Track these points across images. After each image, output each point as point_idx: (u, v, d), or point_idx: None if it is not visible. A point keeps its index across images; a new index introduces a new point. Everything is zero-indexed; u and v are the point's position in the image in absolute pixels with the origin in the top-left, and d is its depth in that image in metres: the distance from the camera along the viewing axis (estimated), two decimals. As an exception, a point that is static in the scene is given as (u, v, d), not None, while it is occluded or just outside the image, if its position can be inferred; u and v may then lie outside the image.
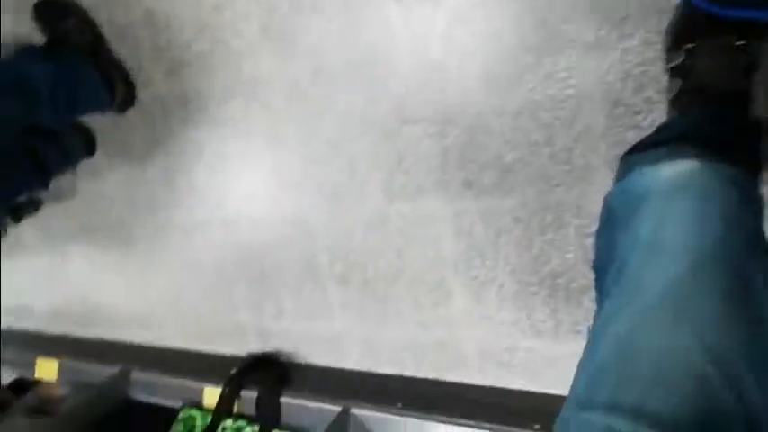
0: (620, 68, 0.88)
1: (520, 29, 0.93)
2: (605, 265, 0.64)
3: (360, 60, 1.09)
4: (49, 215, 1.82)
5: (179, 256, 1.60)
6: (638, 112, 0.89)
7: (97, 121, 1.53)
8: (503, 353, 1.22)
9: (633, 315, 0.53)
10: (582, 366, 0.56)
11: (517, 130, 0.99)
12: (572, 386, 0.56)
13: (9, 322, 2.29)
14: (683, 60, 0.78)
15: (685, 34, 0.79)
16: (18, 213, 1.74)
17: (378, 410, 1.29)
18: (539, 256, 1.08)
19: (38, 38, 1.35)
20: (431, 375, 1.34)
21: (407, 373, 1.38)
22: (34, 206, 1.76)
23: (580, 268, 1.06)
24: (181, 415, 1.57)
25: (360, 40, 1.08)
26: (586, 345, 0.58)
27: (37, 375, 1.97)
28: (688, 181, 0.60)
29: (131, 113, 1.44)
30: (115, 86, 1.38)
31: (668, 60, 0.82)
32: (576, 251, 1.04)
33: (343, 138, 1.18)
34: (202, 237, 1.52)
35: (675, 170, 0.62)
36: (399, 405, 1.27)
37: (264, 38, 1.17)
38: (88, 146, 1.55)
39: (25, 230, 1.91)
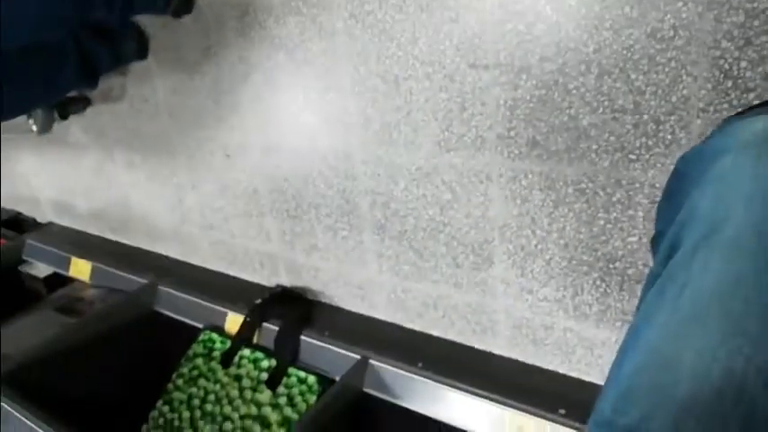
0: (741, 34, 0.74)
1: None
2: (660, 241, 0.52)
3: (435, -10, 0.98)
4: (97, 114, 1.79)
5: (217, 175, 1.55)
6: (750, 89, 0.76)
7: (151, 25, 1.46)
8: (539, 329, 1.14)
9: (675, 318, 0.42)
10: (613, 372, 0.46)
11: (601, 92, 0.87)
12: (600, 395, 0.46)
13: (50, 216, 2.33)
14: None
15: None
16: (66, 109, 1.71)
17: (397, 366, 1.24)
18: (599, 234, 0.98)
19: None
20: (458, 339, 1.28)
21: (434, 332, 1.32)
22: (82, 104, 1.74)
23: (642, 255, 0.95)
24: (201, 336, 1.56)
25: (438, -34, 0.96)
26: (624, 340, 0.48)
27: (70, 273, 1.99)
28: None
29: (187, 19, 1.36)
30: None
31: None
32: (642, 236, 0.94)
33: (403, 75, 1.07)
34: (242, 160, 1.46)
35: (763, 125, 0.46)
36: (420, 365, 1.21)
37: (334, -48, 1.06)
38: (140, 49, 1.49)
39: (73, 127, 1.89)
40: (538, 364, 1.18)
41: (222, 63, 1.36)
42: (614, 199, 0.93)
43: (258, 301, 1.50)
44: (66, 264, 2.01)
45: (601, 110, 0.88)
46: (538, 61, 0.91)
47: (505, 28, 0.92)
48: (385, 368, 1.26)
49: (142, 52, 1.50)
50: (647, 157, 0.87)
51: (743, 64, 0.75)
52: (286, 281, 1.57)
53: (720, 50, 0.76)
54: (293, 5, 1.16)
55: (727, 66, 0.76)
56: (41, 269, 2.15)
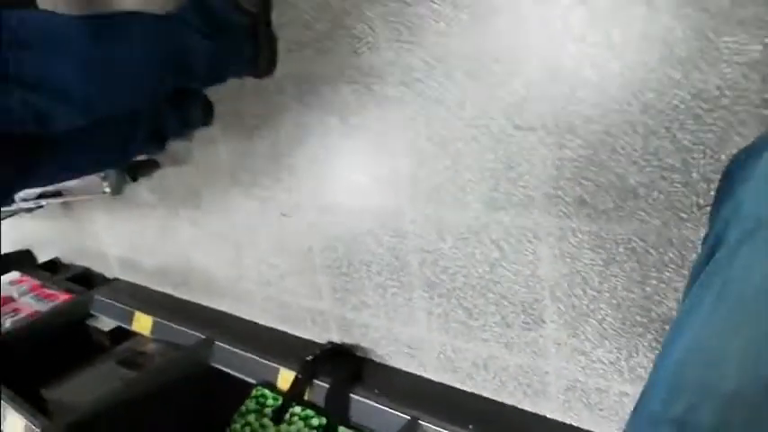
0: (787, 93, 0.75)
1: (669, 37, 0.81)
2: (706, 239, 0.52)
3: (483, 55, 1.01)
4: (164, 177, 1.90)
5: (273, 234, 1.61)
6: (801, 147, 0.75)
7: (215, 92, 1.56)
8: (592, 393, 1.11)
9: (720, 312, 0.43)
10: (657, 367, 0.46)
11: (648, 151, 0.88)
12: (644, 390, 0.46)
13: (117, 272, 2.45)
14: None
15: None
16: (136, 172, 1.83)
17: (447, 428, 1.22)
18: (652, 294, 0.96)
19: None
20: (509, 401, 1.25)
21: (485, 393, 1.29)
22: (152, 167, 1.85)
23: (699, 316, 0.92)
24: (254, 392, 1.58)
25: (487, 33, 1.00)
26: (667, 335, 0.48)
27: (133, 328, 2.07)
28: None
29: (248, 87, 1.45)
30: (260, 63, 1.35)
31: None
32: (698, 296, 0.91)
33: (452, 137, 1.11)
34: (297, 219, 1.52)
35: None
36: (471, 427, 1.19)
37: (385, 24, 1.12)
38: (206, 116, 1.58)
39: (141, 188, 2.01)
40: (592, 429, 1.14)
41: (280, 128, 1.44)
42: (666, 258, 0.92)
43: (309, 357, 1.52)
44: (130, 318, 2.09)
45: (649, 169, 0.88)
46: (583, 122, 0.93)
47: (550, 91, 0.95)
48: (435, 429, 1.24)
49: (207, 119, 1.60)
50: (699, 215, 0.86)
51: (792, 123, 0.74)
52: (336, 338, 1.59)
53: (768, 110, 0.76)
54: (348, 74, 1.23)
55: (776, 124, 0.76)
56: (106, 323, 2.25)
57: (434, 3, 1.04)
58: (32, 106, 0.94)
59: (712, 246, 0.49)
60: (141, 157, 1.84)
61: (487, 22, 0.99)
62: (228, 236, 1.77)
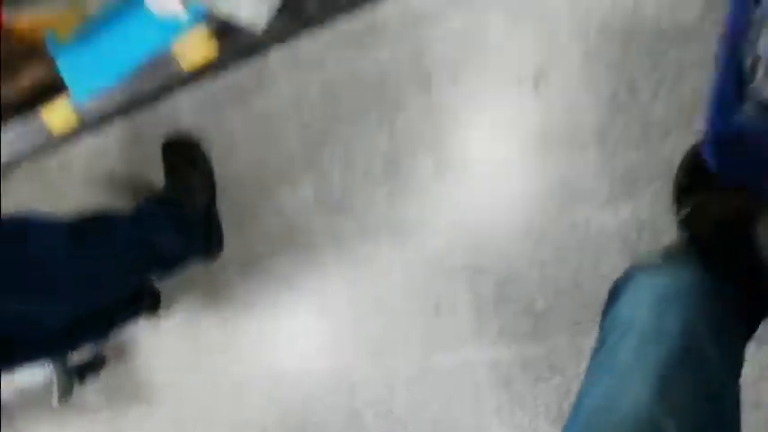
0: (636, 219, 0.96)
1: (543, 185, 1.04)
2: (597, 340, 0.75)
3: (403, 219, 1.20)
4: (111, 375, 1.90)
5: (229, 413, 1.63)
6: (656, 258, 0.95)
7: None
8: None
9: (609, 384, 0.62)
10: (571, 416, 0.64)
11: (545, 278, 1.06)
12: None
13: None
14: (689, 213, 0.85)
15: (688, 188, 0.88)
16: (84, 372, 1.82)
17: None
18: (579, 404, 1.08)
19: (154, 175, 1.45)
20: None
21: None
22: (99, 365, 1.85)
23: (624, 417, 1.04)
24: None
25: (405, 202, 1.20)
26: (577, 396, 0.66)
27: None
28: (669, 261, 0.75)
29: (194, 270, 1.55)
30: (213, 251, 1.46)
31: (677, 212, 0.90)
32: (618, 399, 1.04)
33: (384, 293, 1.25)
34: (249, 393, 1.56)
35: (657, 254, 0.77)
36: None
37: (317, 202, 1.30)
38: (153, 304, 1.64)
39: (87, 391, 1.99)
40: None
41: (227, 303, 1.53)
42: (581, 369, 1.04)
43: None
44: None
45: (548, 293, 1.06)
46: (489, 263, 1.11)
47: (459, 240, 1.14)
48: None
49: (155, 307, 1.65)
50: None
51: (643, 242, 0.95)
52: None
53: (625, 232, 0.97)
54: (282, 248, 1.37)
55: (632, 245, 0.97)
56: None
57: (355, 181, 1.24)
58: (20, 311, 1.00)
59: (600, 342, 0.71)
60: (88, 357, 1.84)
61: (403, 193, 1.19)
62: (182, 425, 1.76)
